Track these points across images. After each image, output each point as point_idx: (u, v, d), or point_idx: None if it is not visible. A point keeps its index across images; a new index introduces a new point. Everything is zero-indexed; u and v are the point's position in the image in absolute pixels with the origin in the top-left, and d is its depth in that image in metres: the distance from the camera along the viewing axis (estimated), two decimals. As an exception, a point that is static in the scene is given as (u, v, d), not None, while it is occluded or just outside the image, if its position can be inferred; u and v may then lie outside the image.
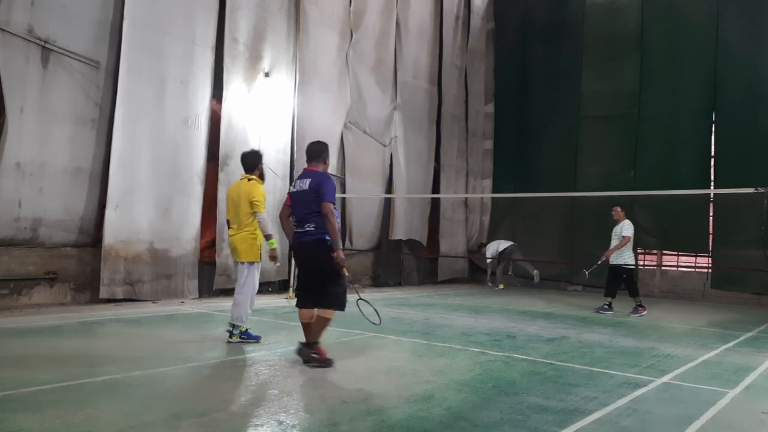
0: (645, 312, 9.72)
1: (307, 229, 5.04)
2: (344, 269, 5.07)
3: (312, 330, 5.10)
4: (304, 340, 5.17)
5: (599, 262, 10.18)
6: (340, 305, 5.10)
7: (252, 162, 6.16)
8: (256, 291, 6.11)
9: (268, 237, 6.00)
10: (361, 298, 5.50)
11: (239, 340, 5.93)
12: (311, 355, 5.02)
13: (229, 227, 6.22)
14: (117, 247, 8.56)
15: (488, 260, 14.66)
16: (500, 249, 14.41)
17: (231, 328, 5.95)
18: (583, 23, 15.27)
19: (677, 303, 10.09)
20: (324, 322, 5.10)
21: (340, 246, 5.02)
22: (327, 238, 4.98)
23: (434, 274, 15.24)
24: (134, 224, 8.78)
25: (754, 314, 10.60)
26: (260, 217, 5.95)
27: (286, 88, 11.25)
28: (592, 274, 10.55)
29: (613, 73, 14.65)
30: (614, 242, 9.95)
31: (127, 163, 8.73)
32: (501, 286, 14.31)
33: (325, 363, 5.02)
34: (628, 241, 9.73)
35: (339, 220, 5.13)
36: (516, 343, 6.60)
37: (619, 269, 9.91)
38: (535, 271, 14.22)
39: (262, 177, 6.21)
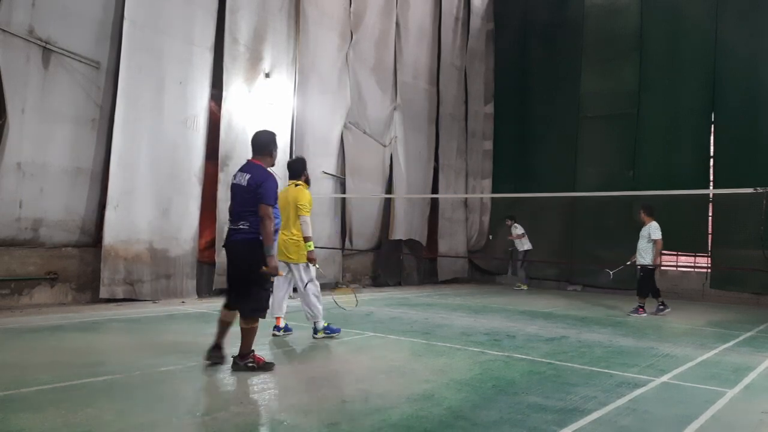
0: (645, 315, 9.70)
1: (241, 227, 4.76)
2: (272, 277, 4.87)
3: (242, 340, 4.81)
4: (218, 342, 4.92)
5: (627, 263, 10.17)
6: (260, 311, 4.82)
7: (299, 168, 6.48)
8: (319, 286, 6.40)
9: (307, 239, 6.22)
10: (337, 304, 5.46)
11: (324, 335, 6.31)
12: (247, 364, 4.76)
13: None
14: (117, 247, 8.57)
15: (519, 262, 14.47)
16: (526, 248, 14.30)
17: (285, 324, 6.41)
18: (582, 24, 15.28)
19: (676, 303, 10.10)
20: (250, 333, 4.80)
21: (274, 252, 4.73)
22: (260, 239, 4.71)
23: (434, 274, 15.25)
24: (134, 224, 8.79)
25: (754, 314, 10.60)
26: (303, 220, 6.22)
27: (286, 88, 11.27)
28: (604, 275, 10.54)
29: (612, 74, 14.66)
30: (641, 243, 9.91)
31: (126, 163, 8.74)
32: (524, 287, 14.09)
33: (266, 367, 4.81)
34: (661, 244, 9.70)
35: (279, 221, 4.98)
36: (516, 343, 6.61)
37: (641, 268, 9.87)
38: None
39: (308, 182, 6.51)
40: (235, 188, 4.87)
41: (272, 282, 4.91)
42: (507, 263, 15.17)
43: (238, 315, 4.87)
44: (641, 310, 9.78)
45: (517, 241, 14.32)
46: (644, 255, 9.82)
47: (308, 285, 6.28)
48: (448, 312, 9.32)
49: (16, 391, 4.00)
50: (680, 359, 6.04)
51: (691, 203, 11.55)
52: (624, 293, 13.64)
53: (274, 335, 6.41)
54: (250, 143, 5.18)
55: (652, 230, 9.75)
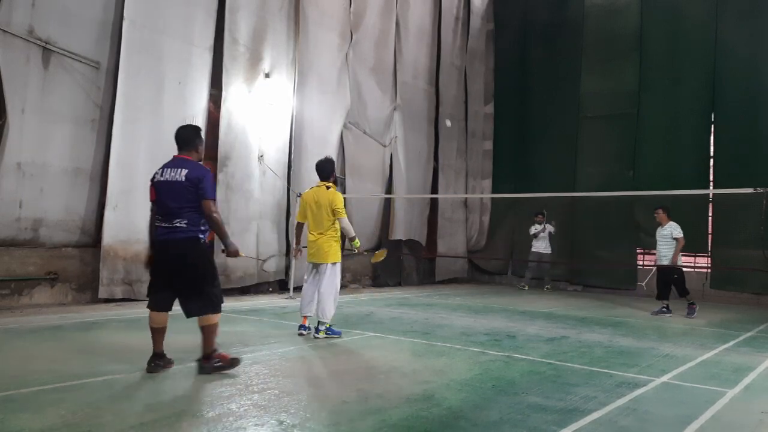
0: (696, 311, 9.69)
1: (177, 225, 4.53)
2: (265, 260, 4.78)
3: (203, 340, 4.68)
4: (159, 349, 4.72)
5: (654, 271, 10.13)
6: (216, 307, 4.66)
7: (328, 169, 6.58)
8: (339, 288, 6.51)
9: (353, 239, 6.45)
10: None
11: (325, 335, 6.36)
12: (214, 365, 4.64)
13: (300, 229, 6.75)
14: (116, 247, 8.57)
15: (530, 263, 14.32)
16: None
17: (316, 325, 6.40)
18: (582, 24, 15.27)
19: (677, 303, 10.09)
20: (211, 330, 4.65)
21: (231, 240, 4.71)
22: (201, 237, 4.60)
23: (433, 274, 15.25)
24: (133, 224, 8.79)
25: (753, 314, 10.61)
26: (344, 224, 6.38)
27: (286, 88, 11.27)
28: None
29: (612, 74, 14.65)
30: (660, 243, 9.84)
31: (125, 163, 8.73)
32: (526, 287, 14.15)
33: (233, 363, 4.71)
34: (683, 243, 9.67)
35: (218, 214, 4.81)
36: (516, 343, 6.61)
37: (668, 269, 9.77)
38: None
39: (336, 183, 6.65)
40: (165, 185, 4.59)
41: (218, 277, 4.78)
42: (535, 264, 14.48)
43: (201, 317, 4.64)
44: (693, 306, 9.70)
45: (542, 241, 14.08)
46: (667, 255, 9.72)
47: (332, 284, 6.37)
48: (448, 312, 9.32)
49: (16, 391, 3.99)
50: (680, 359, 6.04)
51: (691, 203, 11.54)
52: (624, 293, 13.66)
53: (300, 334, 6.48)
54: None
55: (675, 229, 9.71)
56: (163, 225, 4.59)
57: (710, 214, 13.12)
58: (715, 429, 3.83)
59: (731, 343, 7.27)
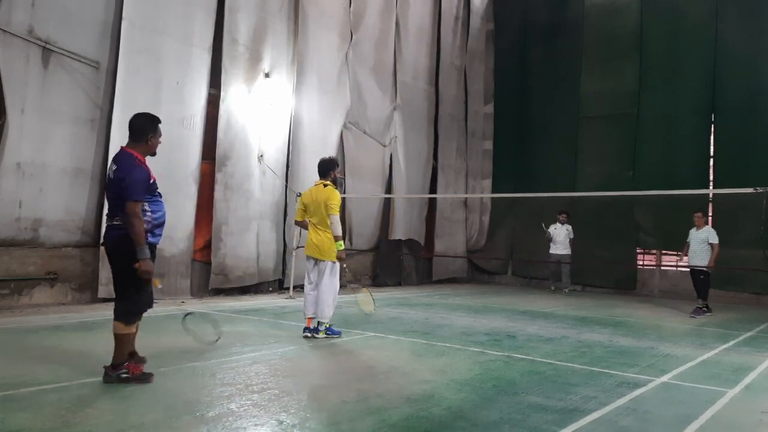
0: (710, 314, 9.73)
1: (113, 222, 4.29)
2: (155, 281, 4.35)
3: (115, 348, 4.36)
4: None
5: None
6: (134, 315, 4.35)
7: (327, 168, 6.60)
8: (338, 288, 6.52)
9: (337, 239, 6.32)
10: (188, 314, 5.22)
11: (325, 335, 6.38)
12: (120, 375, 4.27)
13: (302, 228, 6.80)
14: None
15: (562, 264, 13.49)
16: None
17: (316, 325, 6.41)
18: (582, 24, 15.27)
19: (677, 303, 10.09)
20: (124, 339, 4.32)
21: (146, 255, 4.18)
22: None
23: (432, 273, 15.26)
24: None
25: (754, 314, 10.61)
26: (333, 220, 6.31)
27: (285, 88, 11.27)
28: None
29: (612, 74, 14.65)
30: (694, 246, 9.88)
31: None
32: (566, 291, 13.36)
33: (142, 378, 4.31)
34: (719, 249, 9.71)
35: (158, 215, 4.43)
36: (516, 343, 6.61)
37: (697, 270, 9.85)
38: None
39: (334, 182, 6.61)
40: (108, 180, 4.42)
41: (152, 287, 4.38)
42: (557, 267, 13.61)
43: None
44: (702, 311, 9.77)
45: (561, 244, 13.32)
46: (702, 257, 9.78)
47: (331, 283, 6.38)
48: (448, 312, 9.32)
49: (16, 391, 3.99)
50: (680, 359, 6.04)
51: (691, 203, 11.54)
52: (624, 293, 13.67)
53: (304, 336, 6.43)
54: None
55: (712, 235, 9.78)
56: (107, 223, 4.42)
57: (710, 214, 13.11)
58: (715, 429, 3.83)
59: (731, 343, 7.27)
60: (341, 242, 6.37)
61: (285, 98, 11.23)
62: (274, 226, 11.11)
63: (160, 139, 4.55)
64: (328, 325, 6.45)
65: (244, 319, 7.62)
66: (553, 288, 13.67)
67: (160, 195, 4.53)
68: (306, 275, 6.58)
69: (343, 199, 12.43)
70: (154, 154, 4.51)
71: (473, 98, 16.71)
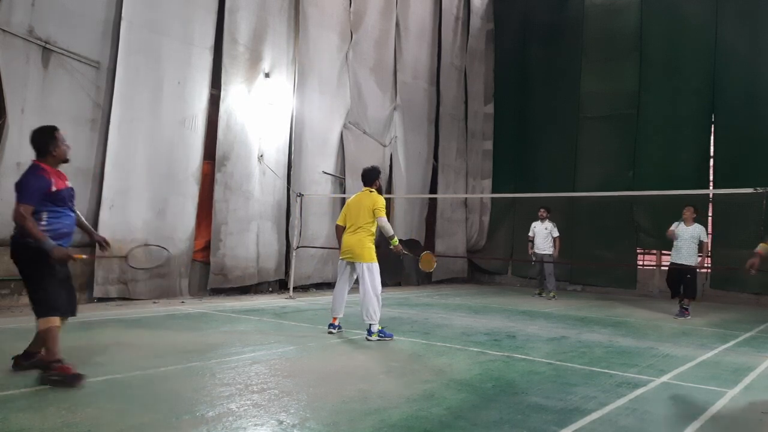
0: (690, 317, 9.57)
1: (13, 232, 4.38)
2: (78, 255, 4.41)
3: (43, 346, 4.40)
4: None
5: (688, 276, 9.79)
6: (51, 310, 4.34)
7: (372, 177, 6.86)
8: (380, 289, 6.58)
9: (391, 237, 6.65)
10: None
11: (378, 338, 6.43)
12: (50, 378, 4.19)
13: (339, 232, 6.86)
14: (112, 246, 8.54)
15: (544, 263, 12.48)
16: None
17: (368, 327, 6.49)
18: (582, 24, 15.29)
19: (677, 303, 10.08)
20: (48, 336, 4.30)
21: (51, 243, 4.22)
22: (29, 240, 4.25)
23: (431, 273, 15.22)
24: (129, 223, 8.79)
25: (753, 314, 10.61)
26: (382, 222, 6.56)
27: (286, 88, 11.27)
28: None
29: (612, 74, 14.67)
30: (680, 242, 9.66)
31: (121, 162, 8.73)
32: (552, 295, 12.30)
33: (73, 380, 4.18)
34: (708, 247, 9.60)
35: (57, 226, 4.38)
36: (515, 343, 6.61)
37: (684, 269, 9.63)
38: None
39: (380, 191, 6.83)
40: None
41: (64, 278, 4.45)
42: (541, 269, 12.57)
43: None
44: (686, 311, 9.62)
45: (542, 243, 12.30)
46: (691, 255, 9.62)
47: (373, 286, 6.48)
48: (448, 312, 9.32)
49: (16, 391, 3.99)
50: (680, 359, 6.04)
51: (690, 203, 11.54)
52: (624, 293, 13.67)
53: (329, 333, 6.63)
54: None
55: (704, 233, 9.71)
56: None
57: (710, 214, 13.13)
58: (715, 429, 3.83)
59: (731, 343, 7.27)
60: (396, 238, 6.68)
61: (285, 98, 11.23)
62: (276, 226, 11.10)
63: (66, 144, 4.66)
64: (380, 328, 6.50)
65: (244, 320, 7.62)
66: (537, 292, 12.72)
67: (71, 209, 4.55)
68: (339, 274, 6.80)
69: (343, 199, 12.44)
70: (66, 160, 4.63)
71: (473, 98, 16.71)
